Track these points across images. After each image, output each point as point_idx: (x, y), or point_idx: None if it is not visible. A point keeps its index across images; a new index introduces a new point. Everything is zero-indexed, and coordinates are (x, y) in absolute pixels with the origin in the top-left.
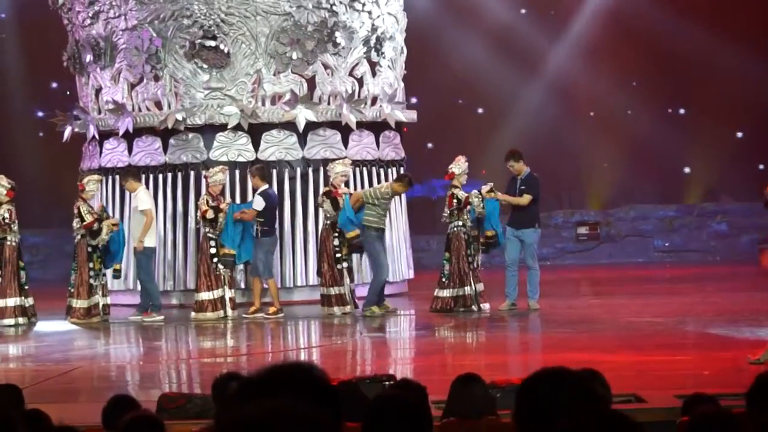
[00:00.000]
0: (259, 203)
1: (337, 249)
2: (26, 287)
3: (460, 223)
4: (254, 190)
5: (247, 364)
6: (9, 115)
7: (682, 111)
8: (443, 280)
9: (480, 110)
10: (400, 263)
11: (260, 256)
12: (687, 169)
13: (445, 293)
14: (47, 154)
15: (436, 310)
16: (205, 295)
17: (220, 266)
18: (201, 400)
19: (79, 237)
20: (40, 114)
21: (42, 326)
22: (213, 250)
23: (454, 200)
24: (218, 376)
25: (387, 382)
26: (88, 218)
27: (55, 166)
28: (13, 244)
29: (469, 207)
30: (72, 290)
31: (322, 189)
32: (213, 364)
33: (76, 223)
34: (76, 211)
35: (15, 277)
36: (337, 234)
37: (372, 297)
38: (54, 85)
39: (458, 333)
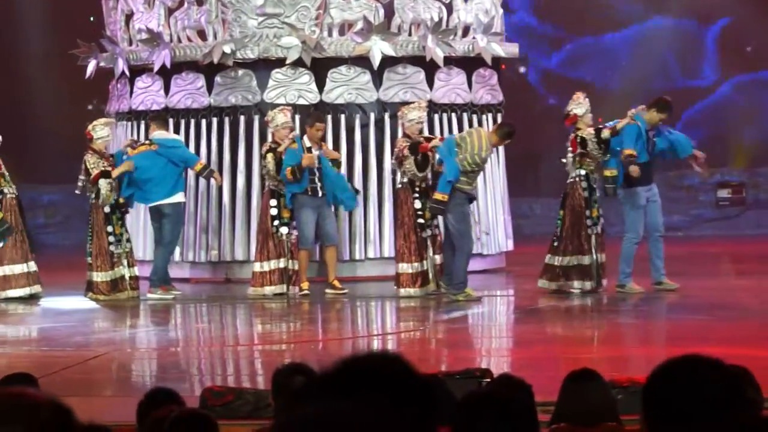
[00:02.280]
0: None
1: (419, 213)
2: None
3: (582, 172)
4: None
5: (310, 353)
6: (21, 47)
7: None
8: (554, 243)
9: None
10: (496, 232)
11: (333, 219)
12: None
13: (556, 260)
14: (67, 93)
15: (545, 283)
16: (260, 266)
17: (282, 230)
18: (253, 395)
19: (93, 196)
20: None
21: (59, 303)
22: (274, 211)
23: (578, 141)
24: (279, 367)
25: (482, 379)
26: (94, 172)
27: (77, 108)
28: (12, 196)
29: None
30: (90, 261)
31: (400, 140)
32: (268, 353)
33: (81, 181)
34: (83, 165)
35: (20, 238)
36: (417, 194)
37: (463, 277)
38: None
39: (569, 318)
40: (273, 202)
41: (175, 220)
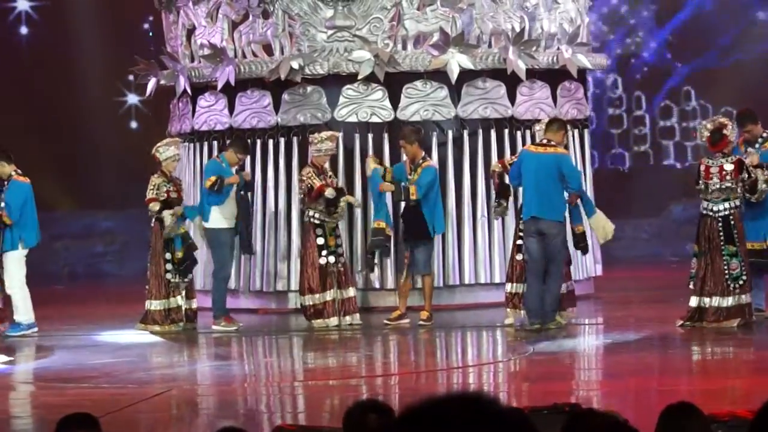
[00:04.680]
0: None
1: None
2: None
3: (738, 202)
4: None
5: (383, 389)
6: (81, 70)
7: None
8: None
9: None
10: (584, 256)
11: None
12: None
13: (692, 302)
14: (126, 113)
15: (685, 324)
16: (309, 299)
17: (329, 259)
18: None
19: (154, 220)
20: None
21: (117, 337)
22: (321, 240)
23: (744, 171)
24: (352, 404)
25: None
26: (149, 195)
27: (137, 132)
28: None
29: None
30: (147, 288)
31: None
32: (339, 388)
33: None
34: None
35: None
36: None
37: (557, 303)
38: None
39: (664, 348)
40: (319, 231)
41: (215, 245)
